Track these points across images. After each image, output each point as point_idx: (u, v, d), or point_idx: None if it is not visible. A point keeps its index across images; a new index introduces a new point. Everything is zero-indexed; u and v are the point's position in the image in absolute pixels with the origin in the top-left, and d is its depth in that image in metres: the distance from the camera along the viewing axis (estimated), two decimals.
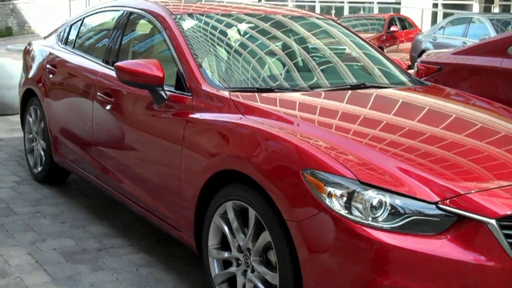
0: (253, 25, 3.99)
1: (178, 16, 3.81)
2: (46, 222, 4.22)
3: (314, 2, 26.89)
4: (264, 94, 3.23)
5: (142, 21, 4.09)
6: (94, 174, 4.20)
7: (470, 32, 12.55)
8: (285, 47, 3.96)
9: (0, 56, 15.69)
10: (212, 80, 3.33)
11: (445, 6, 23.94)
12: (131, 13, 4.13)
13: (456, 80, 5.61)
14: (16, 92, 7.63)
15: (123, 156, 3.80)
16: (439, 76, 5.73)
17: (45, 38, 5.37)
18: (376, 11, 25.37)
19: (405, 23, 17.63)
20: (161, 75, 3.30)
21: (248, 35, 3.91)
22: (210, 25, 3.85)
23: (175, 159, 3.22)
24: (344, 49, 4.09)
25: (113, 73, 3.96)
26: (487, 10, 23.85)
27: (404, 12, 21.96)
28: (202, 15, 3.93)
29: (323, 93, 3.38)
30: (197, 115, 3.15)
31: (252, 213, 2.74)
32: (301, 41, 4.06)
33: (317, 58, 3.88)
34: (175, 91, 3.40)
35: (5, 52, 17.09)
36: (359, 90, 3.50)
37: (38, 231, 4.05)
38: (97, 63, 4.24)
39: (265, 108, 2.99)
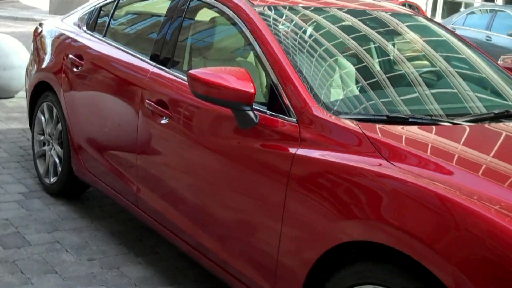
0: (356, 25, 3.10)
1: (262, 8, 2.93)
2: (69, 258, 3.34)
3: None
4: (407, 129, 2.37)
5: (207, 10, 3.19)
6: (132, 199, 3.32)
7: (495, 25, 11.77)
8: (405, 57, 3.10)
9: None
10: (327, 101, 2.48)
11: None
12: (191, 0, 3.22)
13: None
14: (14, 73, 6.70)
15: (182, 188, 2.93)
16: None
17: (62, 19, 4.41)
18: None
19: (415, 10, 16.86)
20: (251, 90, 2.43)
21: (356, 39, 3.03)
22: (306, 22, 2.97)
23: (273, 209, 2.37)
24: (466, 60, 3.25)
25: (168, 76, 3.08)
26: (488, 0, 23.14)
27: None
28: (292, 8, 3.04)
29: (467, 127, 2.52)
30: (309, 152, 2.30)
31: None
32: (425, 51, 3.20)
33: (442, 74, 3.03)
34: (268, 112, 2.54)
35: None
36: (506, 122, 2.67)
37: (62, 273, 3.17)
38: (143, 60, 3.34)
39: (416, 152, 2.14)
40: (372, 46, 3.08)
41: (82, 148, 3.79)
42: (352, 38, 2.98)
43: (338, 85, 2.68)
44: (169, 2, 3.37)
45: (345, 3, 3.35)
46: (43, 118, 4.25)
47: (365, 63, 2.89)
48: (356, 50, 2.94)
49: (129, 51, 3.50)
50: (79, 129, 3.80)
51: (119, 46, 3.61)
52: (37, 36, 4.53)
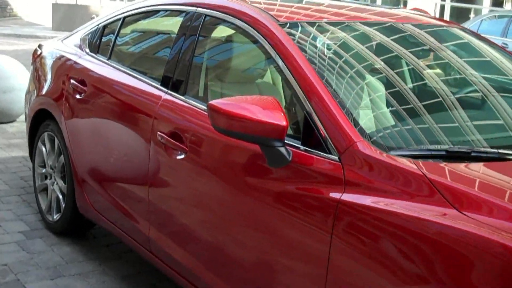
0: (393, 42, 2.72)
1: (289, 26, 2.56)
2: None
3: None
4: (472, 167, 1.98)
5: (225, 28, 2.82)
6: (143, 240, 2.94)
7: (511, 31, 11.37)
8: (453, 79, 2.71)
9: None
10: (374, 135, 2.09)
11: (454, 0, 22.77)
12: (205, 16, 2.85)
13: None
14: (14, 96, 6.35)
15: (202, 233, 2.55)
16: None
17: (62, 40, 4.05)
18: (379, 2, 24.13)
19: None
20: (283, 123, 2.05)
21: (396, 58, 2.65)
22: (341, 41, 2.59)
23: (313, 265, 1.99)
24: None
25: (182, 103, 2.72)
26: (496, 5, 22.73)
27: (411, 6, 20.76)
28: (322, 26, 2.66)
29: None
30: (358, 199, 1.91)
31: None
32: (471, 70, 2.81)
33: (496, 97, 2.63)
34: (302, 147, 2.16)
35: None
36: None
37: None
38: (153, 85, 2.97)
39: (493, 199, 1.75)
40: (415, 66, 2.69)
41: (86, 182, 3.41)
42: (392, 58, 2.61)
43: (385, 114, 2.30)
44: (181, 19, 3.00)
45: (378, 17, 2.98)
46: (44, 149, 3.89)
47: (411, 87, 2.51)
48: (399, 73, 2.57)
49: (137, 75, 3.13)
50: (83, 162, 3.43)
51: (125, 70, 3.24)
52: (37, 58, 4.17)
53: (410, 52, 2.70)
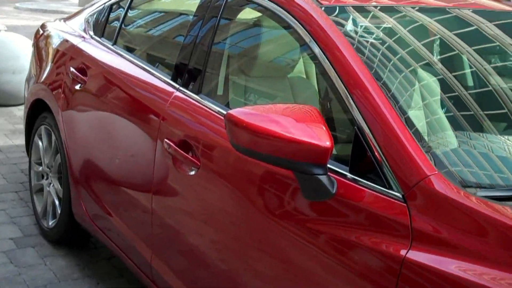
0: (467, 33, 2.12)
1: (336, 10, 1.99)
2: None
3: None
4: None
5: (252, 11, 2.26)
6: (144, 267, 2.42)
7: None
8: None
9: (7, 17, 13.88)
10: (456, 168, 1.53)
11: None
12: None
13: None
14: (24, 78, 5.87)
15: (217, 268, 2.01)
16: None
17: (66, 20, 3.52)
18: None
19: None
20: (327, 143, 1.50)
21: (471, 56, 2.07)
22: (402, 32, 2.01)
23: None
24: None
25: (196, 104, 2.18)
26: None
27: None
28: (378, 9, 2.09)
29: None
30: (432, 260, 1.35)
31: None
32: None
33: None
34: (349, 174, 1.61)
35: (13, 11, 15.24)
36: None
37: None
38: (162, 79, 2.43)
39: None
40: (493, 66, 2.11)
41: (82, 187, 2.91)
42: (466, 55, 2.02)
43: (468, 136, 1.73)
44: (198, 1, 2.44)
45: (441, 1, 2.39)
46: (40, 143, 3.38)
47: (491, 98, 1.92)
48: (481, 75, 1.98)
49: (145, 66, 2.59)
50: (81, 163, 2.92)
51: (132, 58, 2.70)
52: (38, 39, 3.65)
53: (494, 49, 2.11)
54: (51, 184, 3.27)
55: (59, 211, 3.19)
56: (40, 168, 3.41)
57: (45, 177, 3.38)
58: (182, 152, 2.10)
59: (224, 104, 2.18)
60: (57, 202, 3.21)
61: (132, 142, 2.49)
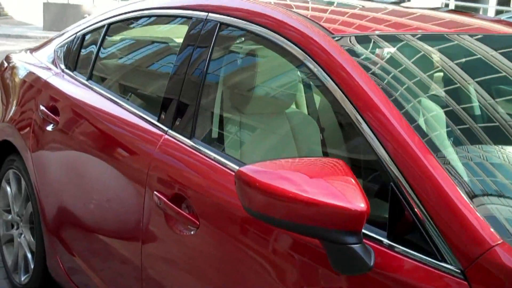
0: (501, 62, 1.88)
1: (350, 41, 1.72)
2: None
3: None
4: None
5: (251, 44, 1.98)
6: None
7: None
8: None
9: None
10: None
11: None
12: (220, 25, 2.00)
13: None
14: None
15: None
16: None
17: (33, 51, 3.19)
18: None
19: None
20: (361, 206, 1.23)
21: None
22: (431, 64, 1.76)
23: None
24: None
25: (189, 150, 1.89)
26: (502, 4, 21.94)
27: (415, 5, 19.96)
28: (395, 39, 1.83)
29: None
30: None
31: None
32: None
33: None
34: (386, 241, 1.33)
35: None
36: None
37: None
38: (148, 120, 2.13)
39: None
40: None
41: (56, 239, 2.58)
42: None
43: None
44: (185, 28, 2.15)
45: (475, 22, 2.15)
46: (8, 189, 3.04)
47: None
48: None
49: (125, 104, 2.29)
50: (55, 211, 2.59)
51: (111, 96, 2.39)
52: (3, 73, 3.31)
53: None
54: (22, 235, 2.93)
55: (32, 266, 2.85)
56: (9, 217, 3.07)
57: (15, 227, 3.04)
58: (176, 208, 1.80)
59: (223, 151, 1.90)
60: (29, 256, 2.87)
61: (115, 191, 2.19)
